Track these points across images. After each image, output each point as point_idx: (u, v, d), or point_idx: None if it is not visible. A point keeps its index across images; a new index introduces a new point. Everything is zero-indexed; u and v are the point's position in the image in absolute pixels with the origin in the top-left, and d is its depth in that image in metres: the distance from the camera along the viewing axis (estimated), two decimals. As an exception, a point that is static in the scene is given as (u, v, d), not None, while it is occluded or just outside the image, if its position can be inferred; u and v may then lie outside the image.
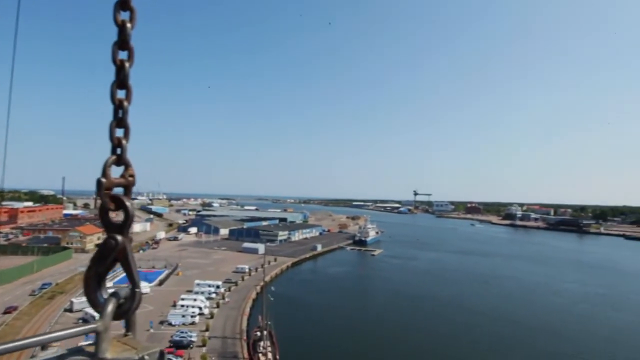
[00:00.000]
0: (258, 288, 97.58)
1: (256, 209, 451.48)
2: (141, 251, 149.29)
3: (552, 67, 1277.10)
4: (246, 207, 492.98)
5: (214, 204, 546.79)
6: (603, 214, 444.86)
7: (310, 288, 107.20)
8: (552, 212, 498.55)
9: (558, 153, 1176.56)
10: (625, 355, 65.99)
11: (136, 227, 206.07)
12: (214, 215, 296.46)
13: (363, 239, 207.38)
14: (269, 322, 66.22)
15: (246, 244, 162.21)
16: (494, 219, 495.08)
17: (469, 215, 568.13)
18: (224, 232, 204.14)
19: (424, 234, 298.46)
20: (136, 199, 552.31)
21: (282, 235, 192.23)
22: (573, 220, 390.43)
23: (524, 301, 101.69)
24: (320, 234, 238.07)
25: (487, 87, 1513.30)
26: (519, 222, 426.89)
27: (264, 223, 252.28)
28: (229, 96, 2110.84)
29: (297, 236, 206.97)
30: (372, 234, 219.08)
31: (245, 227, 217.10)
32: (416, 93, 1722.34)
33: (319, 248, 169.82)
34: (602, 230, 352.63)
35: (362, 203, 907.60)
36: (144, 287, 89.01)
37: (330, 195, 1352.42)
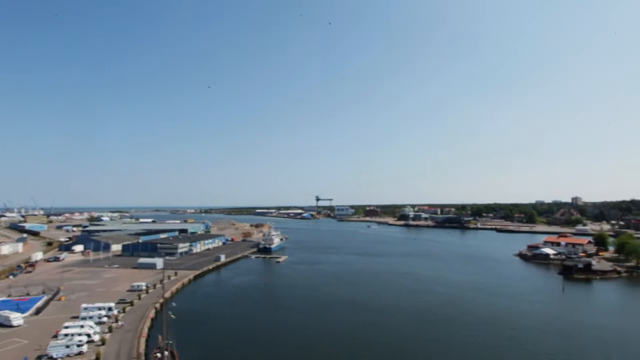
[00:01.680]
0: (157, 306, 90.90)
1: (153, 221, 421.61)
2: (11, 276, 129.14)
3: (460, 72, 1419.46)
4: (142, 220, 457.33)
5: (104, 218, 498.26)
6: (479, 211, 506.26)
7: (215, 301, 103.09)
8: (439, 212, 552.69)
9: (445, 157, 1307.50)
10: (506, 334, 75.31)
11: (3, 249, 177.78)
12: (104, 230, 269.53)
13: (268, 246, 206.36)
14: (170, 342, 61.94)
15: (142, 260, 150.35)
16: (390, 220, 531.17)
17: (367, 218, 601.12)
18: (116, 248, 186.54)
19: (327, 238, 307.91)
20: (4, 216, 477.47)
21: (183, 247, 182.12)
22: (456, 218, 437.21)
23: (421, 294, 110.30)
24: (224, 243, 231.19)
25: (386, 94, 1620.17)
26: (412, 222, 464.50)
27: (162, 236, 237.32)
28: (118, 101, 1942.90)
29: (199, 247, 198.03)
30: (276, 241, 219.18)
31: (140, 241, 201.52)
32: (309, 101, 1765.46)
33: (223, 258, 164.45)
34: (479, 225, 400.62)
35: (265, 210, 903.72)
36: (16, 318, 76.89)
37: (232, 204, 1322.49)
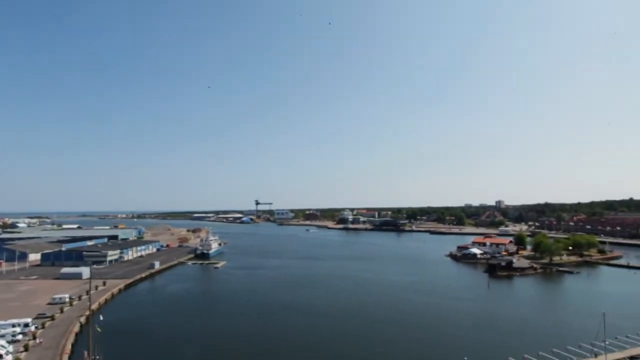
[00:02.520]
0: (82, 319, 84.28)
1: (78, 227, 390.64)
2: None
3: (380, 81, 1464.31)
4: (65, 226, 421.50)
5: (20, 224, 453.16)
6: (414, 214, 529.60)
7: (148, 311, 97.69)
8: (376, 215, 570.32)
9: (380, 162, 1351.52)
10: (439, 330, 79.37)
11: None
12: (20, 238, 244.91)
13: (205, 251, 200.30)
14: (98, 357, 57.82)
15: (66, 269, 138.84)
16: (330, 223, 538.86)
17: (307, 222, 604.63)
18: (34, 257, 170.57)
19: (267, 242, 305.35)
20: None
21: (113, 255, 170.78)
22: (392, 221, 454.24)
23: (360, 296, 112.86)
24: (158, 250, 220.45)
25: (322, 99, 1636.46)
26: (350, 226, 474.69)
27: (90, 243, 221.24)
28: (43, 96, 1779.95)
29: (131, 254, 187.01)
30: (214, 246, 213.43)
31: (64, 249, 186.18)
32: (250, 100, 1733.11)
33: (157, 265, 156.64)
34: (413, 227, 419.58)
35: (203, 215, 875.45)
36: None
37: (168, 209, 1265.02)
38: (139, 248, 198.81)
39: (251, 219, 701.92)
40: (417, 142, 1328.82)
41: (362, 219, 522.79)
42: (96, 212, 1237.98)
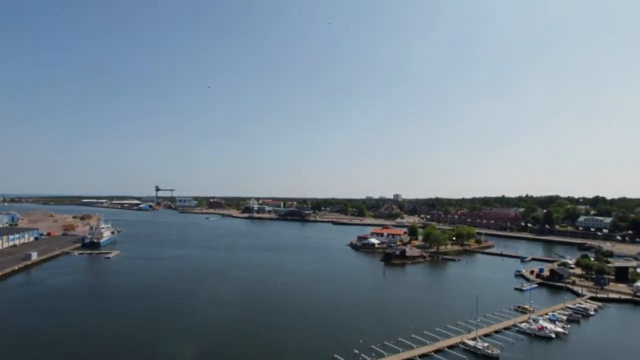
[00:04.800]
0: None
1: None
2: None
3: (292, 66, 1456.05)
4: None
5: None
6: (318, 205, 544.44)
7: (22, 309, 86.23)
8: (282, 205, 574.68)
9: (287, 153, 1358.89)
10: (339, 315, 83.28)
11: None
12: None
13: (95, 240, 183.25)
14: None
15: None
16: (235, 212, 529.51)
17: (211, 210, 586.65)
18: None
19: (167, 230, 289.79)
20: None
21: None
22: (298, 211, 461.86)
23: (264, 285, 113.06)
24: (37, 238, 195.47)
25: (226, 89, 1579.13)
26: (256, 215, 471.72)
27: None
28: None
29: (1, 244, 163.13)
30: (106, 235, 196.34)
31: None
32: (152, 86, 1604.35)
33: (35, 256, 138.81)
34: (317, 218, 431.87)
35: (94, 200, 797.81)
36: None
37: (51, 192, 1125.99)
38: (11, 237, 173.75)
39: (150, 206, 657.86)
40: (323, 136, 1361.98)
41: (267, 208, 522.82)
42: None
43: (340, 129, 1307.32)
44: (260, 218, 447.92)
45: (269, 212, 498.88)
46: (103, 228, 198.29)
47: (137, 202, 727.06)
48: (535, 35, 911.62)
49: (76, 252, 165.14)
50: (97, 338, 67.69)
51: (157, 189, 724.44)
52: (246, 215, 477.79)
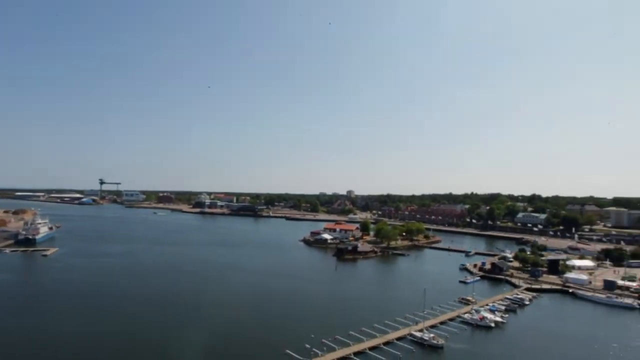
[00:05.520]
0: None
1: None
2: None
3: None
4: None
5: None
6: (272, 200, 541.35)
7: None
8: (234, 200, 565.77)
9: (242, 148, 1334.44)
10: (293, 309, 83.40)
11: None
12: None
13: (31, 237, 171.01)
14: None
15: None
16: (185, 207, 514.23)
17: (161, 205, 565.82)
18: None
19: (112, 226, 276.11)
20: None
21: None
22: (250, 206, 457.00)
23: (218, 281, 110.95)
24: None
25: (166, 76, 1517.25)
26: (207, 210, 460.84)
27: None
28: None
29: None
30: (43, 231, 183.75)
31: None
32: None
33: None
34: (270, 213, 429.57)
35: (29, 193, 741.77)
36: None
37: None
38: None
39: (93, 200, 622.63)
40: (277, 133, 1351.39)
41: (220, 203, 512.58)
42: None
43: (294, 125, 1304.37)
44: (212, 213, 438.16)
45: (222, 207, 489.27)
46: (39, 223, 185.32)
47: (79, 195, 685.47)
48: (483, 45, 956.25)
49: (8, 250, 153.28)
50: (29, 340, 63.33)
51: (102, 182, 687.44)
52: (197, 210, 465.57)
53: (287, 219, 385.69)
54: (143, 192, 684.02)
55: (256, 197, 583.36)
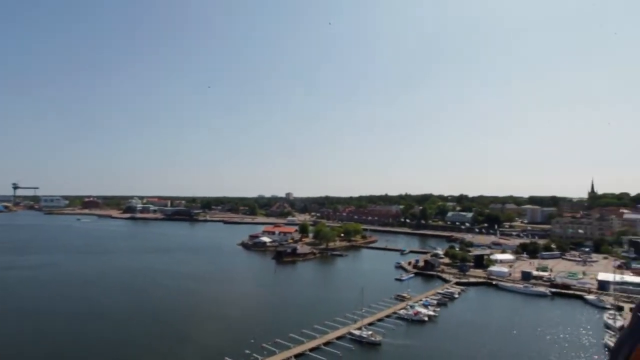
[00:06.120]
0: None
1: None
2: None
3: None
4: None
5: None
6: (209, 203, 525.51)
7: None
8: (169, 204, 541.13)
9: (175, 150, 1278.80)
10: (230, 316, 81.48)
11: None
12: None
13: None
14: None
15: None
16: (115, 212, 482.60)
17: (86, 211, 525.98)
18: None
19: (29, 235, 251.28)
20: None
21: None
22: (186, 211, 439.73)
23: (152, 289, 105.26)
24: None
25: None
26: (139, 215, 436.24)
27: None
28: None
29: None
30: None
31: None
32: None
33: None
34: (207, 217, 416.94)
35: None
36: None
37: None
38: None
39: (5, 207, 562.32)
40: (215, 134, 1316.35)
41: (152, 207, 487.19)
42: None
43: (231, 127, 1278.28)
44: (144, 218, 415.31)
45: (155, 211, 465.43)
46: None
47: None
48: (419, 48, 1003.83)
49: None
50: None
51: (15, 187, 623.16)
52: (128, 215, 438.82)
53: (225, 222, 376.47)
54: (65, 197, 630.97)
55: (192, 200, 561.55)
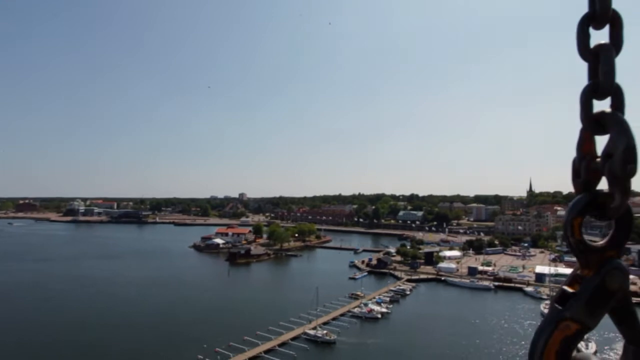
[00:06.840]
0: None
1: None
2: None
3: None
4: None
5: None
6: (158, 205, 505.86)
7: None
8: (115, 206, 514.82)
9: (125, 149, 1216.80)
10: (181, 321, 78.76)
11: None
12: None
13: None
14: None
15: None
16: (54, 215, 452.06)
17: (21, 214, 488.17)
18: None
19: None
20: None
21: None
22: (134, 213, 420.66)
23: (96, 298, 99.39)
24: None
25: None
26: (82, 218, 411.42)
27: None
28: None
29: None
30: None
31: None
32: None
33: None
34: (157, 219, 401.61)
35: None
36: None
37: None
38: None
39: None
40: (164, 133, 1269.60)
41: (97, 210, 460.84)
42: None
43: (181, 126, 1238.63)
44: (87, 221, 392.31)
45: (99, 214, 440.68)
46: None
47: None
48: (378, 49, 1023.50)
49: None
50: None
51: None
52: (69, 218, 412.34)
53: (176, 224, 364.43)
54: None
55: (140, 202, 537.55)
